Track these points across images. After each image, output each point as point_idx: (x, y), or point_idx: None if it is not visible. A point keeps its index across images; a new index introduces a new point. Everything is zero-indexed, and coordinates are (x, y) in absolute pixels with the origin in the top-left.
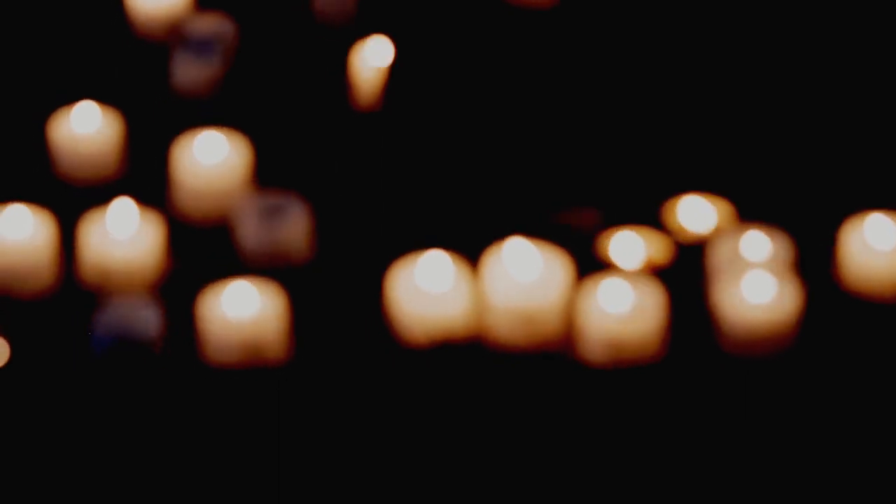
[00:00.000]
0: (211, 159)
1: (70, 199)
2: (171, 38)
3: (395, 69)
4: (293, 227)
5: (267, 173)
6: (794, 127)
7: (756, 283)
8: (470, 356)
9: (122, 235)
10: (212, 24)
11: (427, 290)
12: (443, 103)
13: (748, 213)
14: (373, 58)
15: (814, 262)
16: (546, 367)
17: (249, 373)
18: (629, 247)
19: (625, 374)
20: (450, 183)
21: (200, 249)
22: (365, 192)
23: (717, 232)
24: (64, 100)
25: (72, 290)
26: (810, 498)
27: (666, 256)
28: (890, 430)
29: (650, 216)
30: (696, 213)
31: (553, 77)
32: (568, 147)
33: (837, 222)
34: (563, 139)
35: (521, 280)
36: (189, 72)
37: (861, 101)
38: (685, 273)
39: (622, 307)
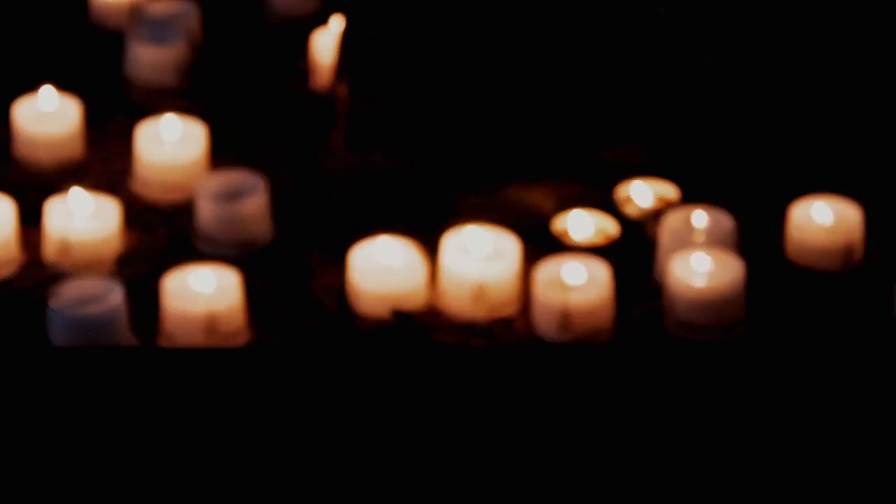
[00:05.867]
0: (171, 141)
1: (31, 183)
2: (130, 22)
3: (351, 51)
4: (252, 208)
5: (226, 155)
6: (738, 115)
7: (700, 259)
8: (425, 329)
9: (83, 217)
10: (171, 9)
11: (385, 267)
12: (400, 84)
13: (694, 194)
14: (331, 40)
15: (757, 237)
16: (498, 339)
17: (209, 352)
18: (580, 224)
19: (575, 348)
20: (407, 162)
21: (160, 231)
22: (323, 173)
23: (665, 211)
24: (25, 86)
25: (33, 272)
26: (760, 468)
27: (615, 234)
28: (841, 400)
29: (601, 197)
30: (644, 194)
31: (508, 57)
32: (523, 128)
33: (779, 202)
34: (518, 120)
35: (473, 256)
36: (148, 56)
37: (807, 91)
38: (633, 249)
39: (573, 282)
